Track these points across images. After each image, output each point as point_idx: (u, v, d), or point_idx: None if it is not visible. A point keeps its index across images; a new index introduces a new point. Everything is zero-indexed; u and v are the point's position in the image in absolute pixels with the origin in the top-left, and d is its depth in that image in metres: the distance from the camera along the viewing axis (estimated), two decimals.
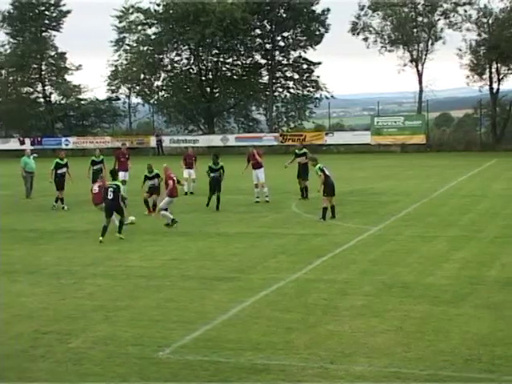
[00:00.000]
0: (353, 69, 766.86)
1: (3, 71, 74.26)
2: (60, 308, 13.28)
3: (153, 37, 69.50)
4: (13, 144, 67.50)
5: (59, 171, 28.67)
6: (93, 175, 28.20)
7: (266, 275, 15.55)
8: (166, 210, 22.88)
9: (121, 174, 26.81)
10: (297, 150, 30.27)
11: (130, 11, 71.16)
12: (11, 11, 72.17)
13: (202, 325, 11.90)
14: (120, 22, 71.75)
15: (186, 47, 69.37)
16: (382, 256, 17.26)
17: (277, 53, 69.45)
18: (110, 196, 20.60)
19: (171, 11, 66.25)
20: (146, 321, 12.31)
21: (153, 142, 65.02)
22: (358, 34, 64.17)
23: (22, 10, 71.59)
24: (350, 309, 12.67)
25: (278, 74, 70.33)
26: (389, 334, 11.17)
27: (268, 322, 12.00)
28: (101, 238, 20.00)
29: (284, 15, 67.48)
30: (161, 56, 70.06)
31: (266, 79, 70.97)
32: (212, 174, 26.34)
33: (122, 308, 13.16)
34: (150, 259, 17.75)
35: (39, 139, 68.08)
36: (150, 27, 70.18)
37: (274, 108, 70.00)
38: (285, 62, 69.85)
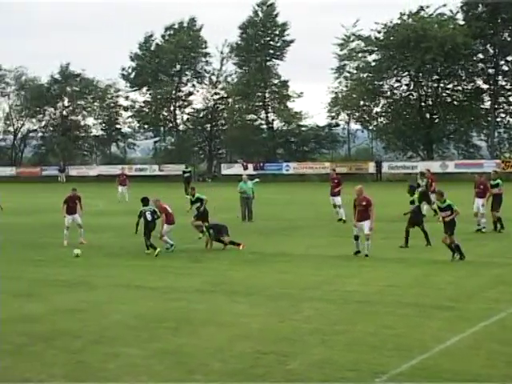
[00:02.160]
0: None
1: (230, 100, 77.88)
2: (278, 330, 13.60)
3: (373, 64, 69.98)
4: (236, 169, 70.30)
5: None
6: None
7: (485, 305, 15.07)
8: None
9: None
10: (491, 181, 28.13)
11: (351, 39, 72.21)
12: (239, 42, 75.63)
13: (419, 353, 11.74)
14: (341, 49, 72.90)
15: (406, 73, 69.10)
16: None
17: (500, 77, 67.37)
18: None
19: (392, 38, 66.32)
20: (363, 346, 12.34)
21: (371, 168, 65.19)
22: None
23: (248, 41, 74.86)
24: None
25: (501, 99, 68.09)
26: None
27: (487, 355, 11.63)
28: None
29: (508, 39, 65.36)
30: (380, 82, 70.26)
31: (487, 105, 68.94)
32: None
33: (339, 332, 13.27)
34: (366, 284, 17.78)
35: (261, 164, 70.46)
36: (370, 54, 70.74)
37: (496, 134, 67.76)
38: (508, 86, 67.51)
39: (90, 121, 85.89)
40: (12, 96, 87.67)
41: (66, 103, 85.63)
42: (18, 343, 13.01)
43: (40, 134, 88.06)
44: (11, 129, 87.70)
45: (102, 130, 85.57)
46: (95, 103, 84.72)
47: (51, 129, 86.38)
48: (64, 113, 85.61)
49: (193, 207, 26.87)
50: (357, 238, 21.97)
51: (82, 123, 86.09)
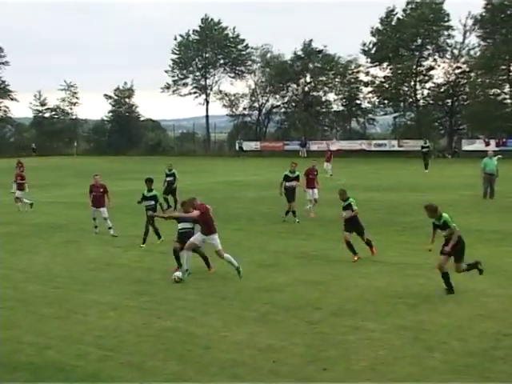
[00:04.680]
0: None
1: (472, 74, 75.38)
2: None
3: None
4: (478, 145, 68.12)
5: (288, 184, 26.69)
6: None
7: None
8: None
9: None
10: None
11: None
12: (483, 14, 72.81)
13: None
14: None
15: None
16: None
17: None
18: None
19: None
20: None
21: None
22: None
23: (493, 12, 71.79)
24: None
25: None
26: None
27: None
28: None
29: None
30: None
31: None
32: None
33: None
34: None
35: (504, 140, 67.73)
36: None
37: None
38: None
39: (331, 96, 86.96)
40: (257, 73, 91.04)
41: (307, 79, 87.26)
42: (262, 311, 13.68)
43: (283, 110, 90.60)
44: (256, 105, 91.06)
45: (342, 105, 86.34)
46: (336, 79, 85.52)
47: (293, 104, 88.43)
48: (306, 89, 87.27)
49: None
50: None
51: (323, 99, 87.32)
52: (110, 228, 23.79)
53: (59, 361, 11.07)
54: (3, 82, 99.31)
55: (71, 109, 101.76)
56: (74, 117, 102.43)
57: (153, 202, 21.92)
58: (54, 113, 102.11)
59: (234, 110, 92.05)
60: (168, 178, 30.31)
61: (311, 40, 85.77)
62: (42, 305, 14.53)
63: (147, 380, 10.19)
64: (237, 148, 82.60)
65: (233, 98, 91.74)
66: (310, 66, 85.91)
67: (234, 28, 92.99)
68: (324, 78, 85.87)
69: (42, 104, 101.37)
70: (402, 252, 19.61)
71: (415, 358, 10.80)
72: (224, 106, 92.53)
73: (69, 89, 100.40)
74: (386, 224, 24.75)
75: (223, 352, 11.31)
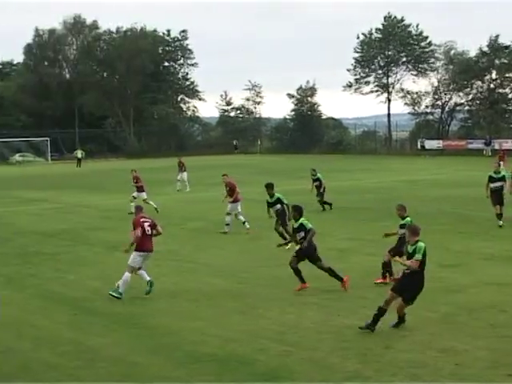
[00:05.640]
0: None
1: None
2: None
3: None
4: None
5: (492, 185, 24.73)
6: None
7: None
8: None
9: None
10: None
11: None
12: None
13: None
14: None
15: None
16: None
17: None
18: None
19: None
20: None
21: None
22: None
23: None
24: None
25: None
26: None
27: None
28: None
29: None
30: None
31: None
32: None
33: None
34: None
35: None
36: None
37: None
38: None
39: None
40: (440, 70, 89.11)
41: (493, 76, 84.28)
42: (443, 312, 13.44)
43: (466, 108, 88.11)
44: (439, 103, 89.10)
45: None
46: None
47: (478, 102, 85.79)
48: (491, 86, 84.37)
49: None
50: None
51: (510, 96, 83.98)
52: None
53: (241, 354, 11.39)
54: (192, 82, 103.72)
55: (255, 108, 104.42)
56: (257, 116, 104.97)
57: (279, 206, 21.66)
58: (238, 112, 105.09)
59: (416, 108, 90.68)
60: (315, 183, 30.77)
61: (497, 35, 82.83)
62: (226, 299, 15.00)
63: (327, 377, 10.29)
64: (418, 146, 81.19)
65: (415, 95, 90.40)
66: (496, 62, 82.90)
67: (417, 25, 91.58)
68: (511, 75, 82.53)
69: (228, 103, 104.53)
70: None
71: None
72: (406, 104, 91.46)
73: (253, 88, 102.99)
74: None
75: (403, 352, 11.22)
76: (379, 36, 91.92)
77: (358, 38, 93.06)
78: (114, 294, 15.18)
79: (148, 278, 15.44)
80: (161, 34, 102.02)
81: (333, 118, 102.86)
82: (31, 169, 70.42)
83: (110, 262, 19.37)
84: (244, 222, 24.54)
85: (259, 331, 12.60)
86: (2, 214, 31.56)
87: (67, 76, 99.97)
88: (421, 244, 12.22)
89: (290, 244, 18.32)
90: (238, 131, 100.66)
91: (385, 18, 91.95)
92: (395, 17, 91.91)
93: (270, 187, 21.41)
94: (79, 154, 72.73)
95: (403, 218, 15.98)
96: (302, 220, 15.74)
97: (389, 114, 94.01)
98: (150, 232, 15.61)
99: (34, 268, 18.92)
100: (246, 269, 18.21)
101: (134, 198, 30.59)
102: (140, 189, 31.23)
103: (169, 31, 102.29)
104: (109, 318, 13.83)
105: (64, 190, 41.94)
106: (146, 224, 15.59)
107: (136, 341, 12.26)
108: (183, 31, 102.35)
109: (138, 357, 11.40)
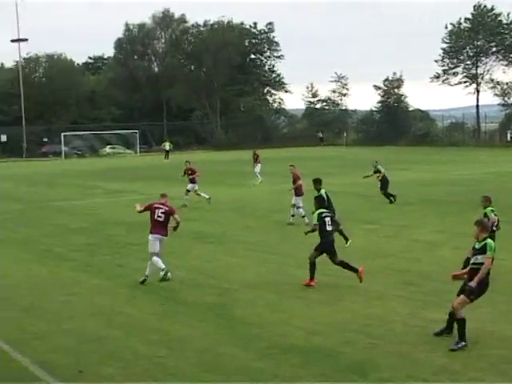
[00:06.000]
0: None
1: None
2: None
3: None
4: None
5: None
6: None
7: None
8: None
9: None
10: None
11: None
12: None
13: None
14: None
15: None
16: None
17: None
18: None
19: None
20: None
21: None
22: None
23: None
24: None
25: None
26: None
27: None
28: None
29: None
30: None
31: None
32: None
33: None
34: None
35: None
36: None
37: None
38: None
39: None
40: None
41: None
42: None
43: None
44: None
45: None
46: None
47: None
48: None
49: None
50: None
51: None
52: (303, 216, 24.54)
53: (327, 347, 11.39)
54: (278, 75, 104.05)
55: (341, 100, 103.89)
56: (343, 107, 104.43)
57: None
58: (324, 104, 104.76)
59: (506, 99, 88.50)
60: (376, 174, 30.65)
61: None
62: (311, 290, 15.01)
63: (413, 371, 10.19)
64: (508, 138, 79.27)
65: (505, 86, 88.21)
66: None
67: (508, 14, 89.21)
68: None
69: (314, 95, 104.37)
70: None
71: None
72: (495, 95, 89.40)
73: (339, 80, 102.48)
74: None
75: (492, 347, 11.02)
76: (468, 26, 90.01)
77: (447, 27, 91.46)
78: (164, 277, 16.08)
79: (163, 266, 16.12)
80: (247, 26, 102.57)
81: (420, 110, 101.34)
82: (121, 160, 71.88)
83: (196, 253, 19.64)
84: (303, 216, 24.52)
85: (344, 323, 12.56)
86: (91, 204, 32.33)
87: (156, 69, 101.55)
88: (490, 241, 11.56)
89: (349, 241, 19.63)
90: (324, 123, 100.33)
91: (474, 7, 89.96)
92: (485, 6, 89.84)
93: (317, 182, 21.27)
94: (167, 146, 73.65)
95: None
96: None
97: (477, 105, 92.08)
98: (162, 219, 16.33)
99: (123, 258, 19.32)
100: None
101: (188, 191, 31.07)
102: (192, 180, 31.53)
103: (255, 24, 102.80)
104: (195, 308, 14.02)
105: (152, 181, 42.62)
106: (159, 211, 16.35)
107: (222, 331, 12.39)
108: (269, 24, 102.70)
109: (225, 347, 11.53)
